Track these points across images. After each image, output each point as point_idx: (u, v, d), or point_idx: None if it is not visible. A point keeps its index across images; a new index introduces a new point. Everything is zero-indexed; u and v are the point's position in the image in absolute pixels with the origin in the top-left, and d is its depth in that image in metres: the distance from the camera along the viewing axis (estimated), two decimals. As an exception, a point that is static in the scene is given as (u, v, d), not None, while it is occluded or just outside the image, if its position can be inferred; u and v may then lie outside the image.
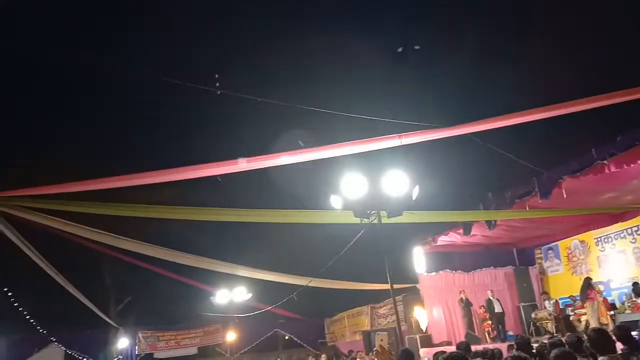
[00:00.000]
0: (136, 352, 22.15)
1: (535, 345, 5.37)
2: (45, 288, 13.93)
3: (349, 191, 6.83)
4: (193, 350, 23.37)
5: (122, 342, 21.73)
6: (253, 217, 7.00)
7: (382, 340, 2.89)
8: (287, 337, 24.22)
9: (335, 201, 7.01)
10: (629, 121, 9.14)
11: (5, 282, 11.36)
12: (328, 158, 6.66)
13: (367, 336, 17.00)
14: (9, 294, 12.63)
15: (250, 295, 16.31)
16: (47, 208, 7.20)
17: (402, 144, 6.37)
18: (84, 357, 20.61)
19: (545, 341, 5.78)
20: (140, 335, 22.37)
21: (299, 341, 23.86)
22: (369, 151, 6.60)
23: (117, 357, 21.74)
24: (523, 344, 4.47)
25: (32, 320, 15.36)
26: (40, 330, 16.77)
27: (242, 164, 6.01)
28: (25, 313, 14.39)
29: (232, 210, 6.79)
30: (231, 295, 16.20)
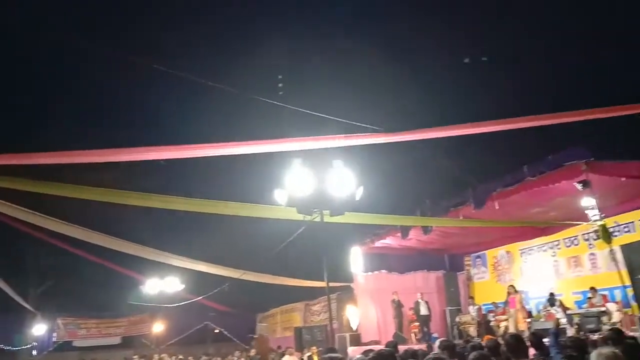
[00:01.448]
0: (54, 340, 20.93)
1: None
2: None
3: (294, 187, 6.79)
4: (116, 340, 22.49)
5: (39, 329, 20.43)
6: (192, 206, 6.78)
7: (262, 329, 3.11)
8: (217, 331, 23.84)
9: (280, 196, 6.95)
10: (559, 143, 9.83)
11: None
12: (275, 152, 6.59)
13: (299, 332, 17.04)
14: None
15: (182, 286, 15.89)
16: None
17: (349, 144, 6.43)
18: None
19: (464, 344, 6.05)
20: (59, 321, 21.21)
21: (229, 335, 23.57)
22: (316, 149, 6.61)
23: (31, 343, 20.40)
24: (447, 347, 4.69)
25: None
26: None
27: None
28: None
29: (171, 198, 6.53)
30: (162, 284, 15.68)
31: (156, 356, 18.83)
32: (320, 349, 13.53)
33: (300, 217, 7.05)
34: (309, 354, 12.87)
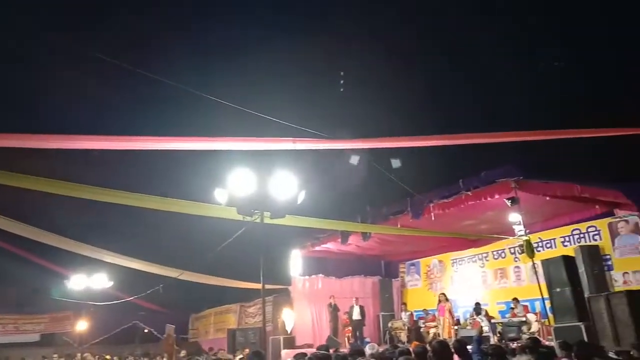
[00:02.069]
0: (-38, 336, 19.26)
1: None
2: None
3: (236, 187, 6.68)
4: (35, 337, 21.02)
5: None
6: (127, 199, 6.47)
7: (170, 330, 3.27)
8: (146, 331, 22.92)
9: (220, 195, 6.81)
10: (493, 160, 10.42)
11: None
12: (217, 150, 6.46)
13: (232, 335, 16.74)
14: None
15: (111, 283, 15.11)
16: None
17: (295, 148, 6.44)
18: None
19: (391, 349, 6.24)
20: (-29, 317, 19.52)
21: (158, 335, 22.70)
22: (260, 150, 6.56)
23: None
24: (357, 352, 4.92)
25: None
26: None
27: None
28: None
29: (104, 190, 6.20)
30: (89, 280, 14.84)
31: (79, 355, 17.78)
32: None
33: (240, 217, 6.95)
34: (240, 356, 12.67)
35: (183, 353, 15.26)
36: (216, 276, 15.86)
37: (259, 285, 7.26)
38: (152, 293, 14.43)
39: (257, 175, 6.73)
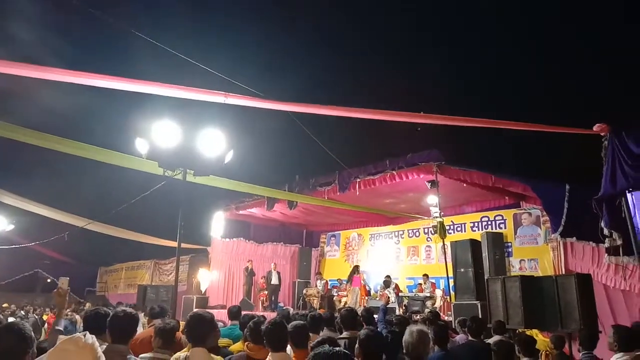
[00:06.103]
0: None
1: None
2: None
3: (159, 139, 6.30)
4: None
5: None
6: (31, 138, 5.87)
7: (63, 283, 3.28)
8: (49, 280, 21.67)
9: (141, 146, 6.39)
10: (419, 142, 10.78)
11: None
12: (140, 95, 6.02)
13: (143, 291, 16.30)
14: None
15: (12, 226, 13.94)
16: None
17: (226, 102, 6.16)
18: None
19: (302, 312, 6.40)
20: None
21: (62, 286, 21.61)
22: (188, 102, 6.21)
23: None
24: (283, 315, 4.97)
25: None
26: None
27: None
28: None
29: (8, 125, 5.57)
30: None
31: (-33, 302, 16.43)
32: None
33: (160, 171, 6.59)
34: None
35: (88, 305, 14.61)
36: (130, 230, 15.20)
37: (175, 243, 7.02)
38: (58, 243, 13.50)
39: (182, 129, 6.39)
